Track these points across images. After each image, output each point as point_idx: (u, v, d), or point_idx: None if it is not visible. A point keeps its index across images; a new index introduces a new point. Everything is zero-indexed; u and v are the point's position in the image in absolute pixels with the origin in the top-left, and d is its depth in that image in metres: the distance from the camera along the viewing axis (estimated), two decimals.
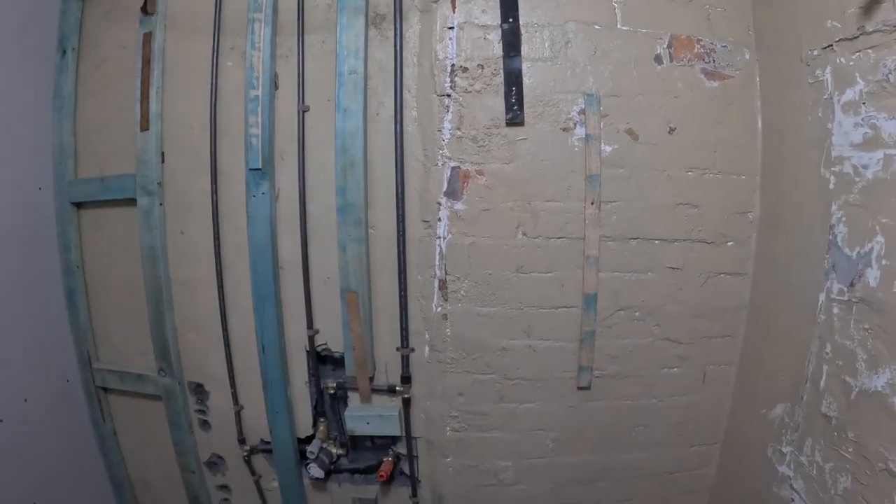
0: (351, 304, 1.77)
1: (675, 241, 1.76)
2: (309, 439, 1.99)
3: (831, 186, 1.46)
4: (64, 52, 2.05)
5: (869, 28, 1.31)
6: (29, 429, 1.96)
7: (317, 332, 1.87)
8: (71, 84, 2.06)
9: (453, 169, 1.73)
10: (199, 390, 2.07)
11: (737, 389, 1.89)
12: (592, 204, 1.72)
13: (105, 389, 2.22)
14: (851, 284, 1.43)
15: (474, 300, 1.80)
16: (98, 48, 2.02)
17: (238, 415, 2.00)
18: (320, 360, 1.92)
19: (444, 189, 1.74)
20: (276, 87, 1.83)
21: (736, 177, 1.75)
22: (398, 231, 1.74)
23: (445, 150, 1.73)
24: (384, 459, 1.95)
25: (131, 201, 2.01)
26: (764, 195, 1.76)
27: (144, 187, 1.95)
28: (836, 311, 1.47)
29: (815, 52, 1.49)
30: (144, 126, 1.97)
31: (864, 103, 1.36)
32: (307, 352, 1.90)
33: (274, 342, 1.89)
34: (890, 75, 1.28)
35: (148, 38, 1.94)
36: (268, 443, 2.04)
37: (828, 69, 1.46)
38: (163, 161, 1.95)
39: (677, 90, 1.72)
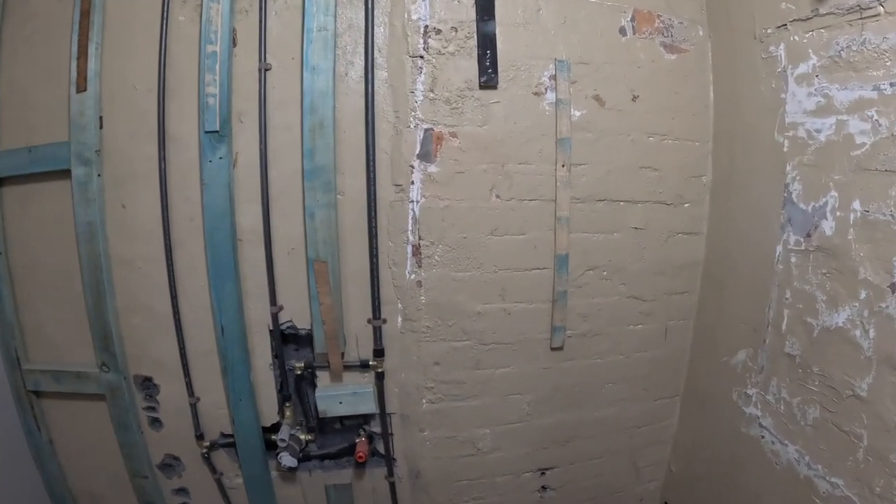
0: (320, 275, 1.36)
1: (638, 202, 1.52)
2: (274, 428, 1.51)
3: (785, 149, 1.34)
4: None
5: (823, 10, 1.22)
6: None
7: (280, 308, 1.41)
8: None
9: (426, 131, 1.38)
10: (148, 384, 1.53)
11: (695, 342, 1.67)
12: (563, 166, 1.44)
13: (37, 393, 1.59)
14: (808, 235, 1.31)
15: (449, 265, 1.44)
16: (26, 3, 1.44)
17: (194, 407, 1.49)
18: (284, 339, 1.46)
19: (417, 151, 1.38)
20: (235, 44, 1.40)
21: (691, 143, 1.55)
22: (369, 195, 1.35)
23: (418, 112, 1.37)
24: (356, 441, 1.51)
25: (66, 173, 1.46)
26: (716, 160, 1.57)
27: (80, 155, 1.40)
28: (793, 260, 1.34)
29: (770, 31, 1.37)
30: (81, 86, 1.42)
31: (817, 76, 1.26)
32: (270, 331, 1.44)
33: (234, 322, 1.41)
34: (842, 52, 1.19)
35: None
36: (228, 436, 1.53)
37: (781, 46, 1.34)
38: (101, 126, 1.41)
39: (640, 61, 1.49)
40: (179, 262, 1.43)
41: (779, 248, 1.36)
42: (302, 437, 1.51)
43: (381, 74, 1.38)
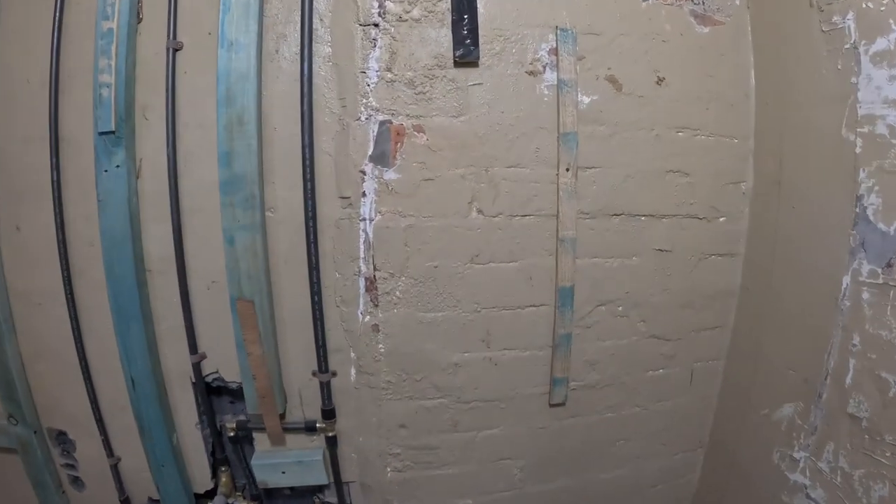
0: (245, 318, 0.97)
1: (663, 216, 1.08)
2: (211, 494, 1.16)
3: (858, 150, 0.94)
4: None
5: None
6: None
7: (203, 357, 1.03)
8: None
9: (382, 124, 0.95)
10: (63, 438, 1.18)
11: (726, 387, 1.25)
12: (568, 170, 1.00)
13: None
14: (888, 265, 0.93)
15: (415, 303, 1.02)
16: None
17: (115, 469, 1.13)
18: (213, 392, 1.08)
19: (370, 152, 0.96)
20: (140, 20, 1.00)
21: (728, 140, 1.11)
22: (307, 212, 0.94)
23: (371, 100, 0.95)
24: None
25: None
26: (759, 162, 1.13)
27: None
28: (865, 296, 0.96)
29: None
30: None
31: None
32: (193, 383, 1.06)
33: (146, 374, 1.03)
34: None
35: None
36: (157, 501, 1.18)
37: (849, 15, 0.93)
38: None
39: (665, 33, 1.04)
40: (81, 296, 1.06)
41: (846, 280, 0.97)
42: None
43: (322, 50, 0.96)
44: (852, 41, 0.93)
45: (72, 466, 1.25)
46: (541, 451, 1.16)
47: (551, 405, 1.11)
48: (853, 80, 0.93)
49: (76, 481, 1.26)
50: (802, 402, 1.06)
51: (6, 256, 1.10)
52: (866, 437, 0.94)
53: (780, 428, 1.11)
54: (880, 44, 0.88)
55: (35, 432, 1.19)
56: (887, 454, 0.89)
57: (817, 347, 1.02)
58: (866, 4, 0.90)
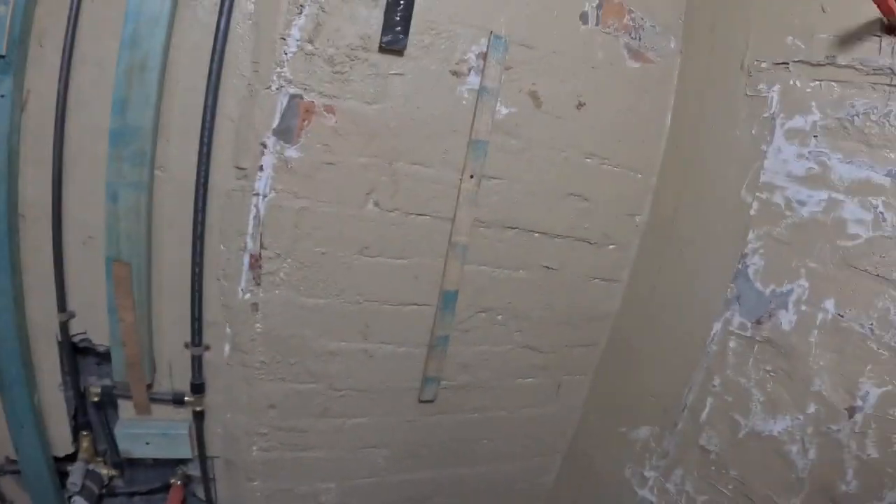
0: (121, 282, 0.90)
1: (556, 236, 1.12)
2: (71, 458, 1.08)
3: (752, 213, 1.01)
4: None
5: (841, 61, 0.88)
6: None
7: (72, 316, 0.96)
8: None
9: (292, 98, 0.92)
10: None
11: (590, 402, 1.33)
12: (472, 177, 1.01)
13: None
14: (758, 322, 1.00)
15: (298, 287, 1.00)
16: None
17: None
18: (79, 352, 1.01)
19: (275, 125, 0.92)
20: None
21: (633, 174, 1.16)
22: (199, 177, 0.90)
23: (286, 70, 0.91)
24: (171, 481, 1.10)
25: None
26: (658, 200, 1.19)
27: None
28: (732, 344, 1.04)
29: (764, 65, 1.02)
30: None
31: (815, 136, 0.92)
32: (59, 343, 0.98)
33: (9, 328, 0.94)
34: (856, 118, 0.86)
35: None
36: (16, 461, 1.10)
37: (776, 87, 0.98)
38: None
39: (596, 60, 1.07)
40: None
41: (717, 326, 1.02)
42: (104, 472, 1.08)
43: (244, 6, 0.91)
44: (772, 112, 0.98)
45: None
46: (407, 442, 1.17)
47: (421, 401, 1.13)
48: (763, 147, 0.98)
49: None
50: (659, 427, 1.13)
51: None
52: (713, 468, 1.02)
53: (635, 447, 1.18)
54: (797, 122, 0.93)
55: None
56: (730, 486, 0.98)
57: (680, 381, 1.09)
58: (793, 82, 0.95)
